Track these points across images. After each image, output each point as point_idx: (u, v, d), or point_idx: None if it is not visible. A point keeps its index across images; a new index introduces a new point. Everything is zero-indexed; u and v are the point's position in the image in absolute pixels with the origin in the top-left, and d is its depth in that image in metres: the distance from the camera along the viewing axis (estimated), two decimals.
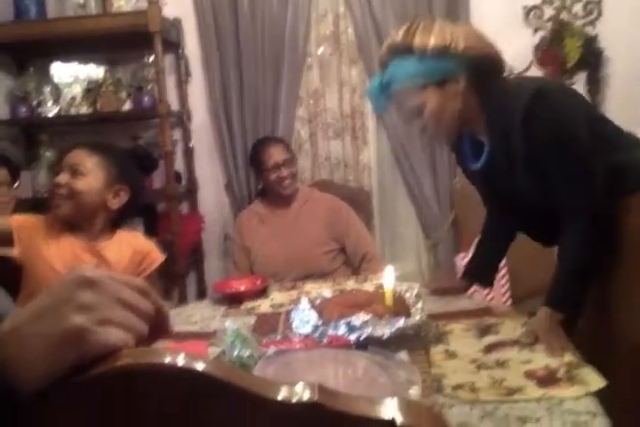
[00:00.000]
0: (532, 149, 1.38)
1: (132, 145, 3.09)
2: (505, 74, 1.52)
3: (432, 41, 1.40)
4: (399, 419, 0.44)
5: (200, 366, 0.45)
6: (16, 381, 0.44)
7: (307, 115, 3.22)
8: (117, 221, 1.71)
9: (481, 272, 1.80)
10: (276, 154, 2.53)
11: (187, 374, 0.45)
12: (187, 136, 3.21)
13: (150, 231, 3.05)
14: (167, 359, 0.46)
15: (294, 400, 0.45)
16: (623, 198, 1.39)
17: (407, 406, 0.46)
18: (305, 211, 2.55)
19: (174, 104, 3.13)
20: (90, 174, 1.60)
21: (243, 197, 3.12)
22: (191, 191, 3.24)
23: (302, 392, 0.45)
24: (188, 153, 3.23)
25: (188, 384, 0.46)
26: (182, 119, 3.19)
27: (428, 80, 1.44)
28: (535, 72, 3.06)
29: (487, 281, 1.82)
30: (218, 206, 3.25)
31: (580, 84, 3.05)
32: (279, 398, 0.45)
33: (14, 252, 1.60)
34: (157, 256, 1.71)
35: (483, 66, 1.44)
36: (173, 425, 0.47)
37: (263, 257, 2.48)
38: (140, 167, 1.80)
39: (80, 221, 1.63)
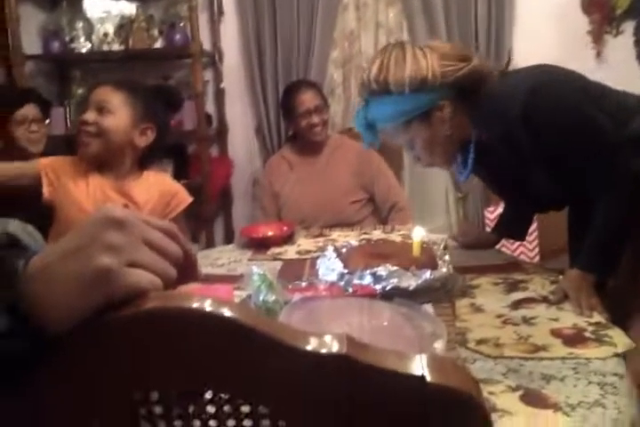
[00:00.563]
0: (541, 142, 1.34)
1: (160, 83, 3.06)
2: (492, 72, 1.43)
3: (408, 76, 1.34)
4: (428, 375, 0.44)
5: (228, 312, 0.45)
6: (45, 319, 0.44)
7: (341, 58, 3.14)
8: (145, 160, 1.70)
9: (513, 226, 1.77)
10: (307, 100, 2.46)
11: (214, 319, 0.45)
12: (218, 77, 3.16)
13: (180, 173, 3.06)
14: (195, 304, 0.45)
15: (323, 351, 0.44)
16: None
17: (435, 362, 0.45)
18: (335, 158, 2.51)
19: (206, 43, 3.07)
20: (117, 112, 1.59)
21: (272, 142, 3.09)
22: (221, 134, 3.22)
23: (331, 343, 0.44)
24: (219, 95, 3.19)
25: (215, 329, 0.45)
26: (214, 59, 3.14)
27: (412, 116, 1.39)
28: (582, 19, 2.92)
29: (520, 235, 1.79)
30: (248, 150, 3.23)
31: (627, 33, 2.91)
32: (308, 348, 0.44)
33: (43, 193, 1.60)
34: (185, 197, 1.71)
35: (464, 85, 1.37)
36: (199, 370, 0.47)
37: (291, 203, 2.47)
38: (166, 105, 1.77)
39: (108, 159, 1.63)
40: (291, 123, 2.59)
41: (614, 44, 2.94)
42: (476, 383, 0.46)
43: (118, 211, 0.48)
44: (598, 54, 2.95)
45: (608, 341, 1.09)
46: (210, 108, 3.15)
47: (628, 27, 2.91)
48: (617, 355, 1.04)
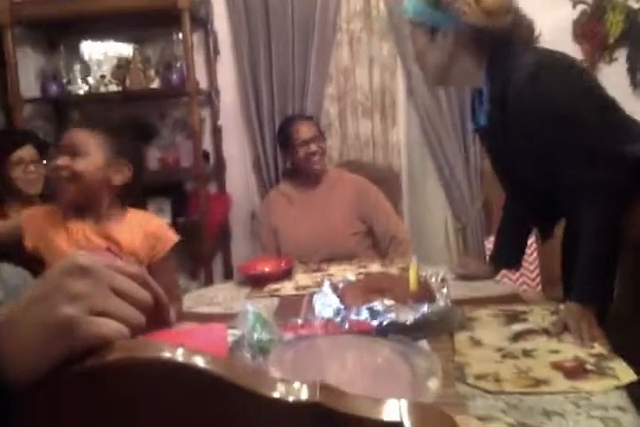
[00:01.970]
0: (529, 125, 1.36)
1: (159, 123, 3.10)
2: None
3: None
4: (407, 422, 0.42)
5: (196, 362, 0.43)
6: (7, 372, 0.43)
7: (336, 93, 3.17)
8: (125, 200, 1.66)
9: (507, 254, 1.75)
10: (304, 130, 2.47)
11: (181, 368, 0.43)
12: (215, 115, 3.19)
13: (178, 211, 3.06)
14: (161, 353, 0.44)
15: (296, 399, 0.42)
16: None
17: (415, 408, 0.43)
18: (333, 192, 2.50)
19: (203, 82, 3.10)
20: (89, 153, 1.55)
21: (270, 177, 3.10)
22: (219, 171, 3.23)
23: (304, 391, 0.43)
24: (216, 132, 3.21)
25: (182, 379, 0.44)
26: (211, 97, 3.17)
27: (418, 20, 1.50)
28: (575, 48, 2.95)
29: (515, 263, 1.77)
30: (245, 187, 3.23)
31: (620, 60, 2.94)
32: (280, 396, 0.43)
33: (27, 246, 1.59)
34: (171, 237, 1.66)
35: (483, 33, 1.42)
36: (167, 420, 0.45)
37: (290, 237, 2.45)
38: (137, 138, 1.75)
39: (86, 202, 1.59)
40: (288, 154, 2.56)
41: (608, 71, 2.96)
42: None
43: (84, 258, 0.46)
44: None
45: (610, 373, 1.06)
46: (207, 145, 3.17)
47: (622, 54, 2.94)
48: (619, 387, 1.01)
